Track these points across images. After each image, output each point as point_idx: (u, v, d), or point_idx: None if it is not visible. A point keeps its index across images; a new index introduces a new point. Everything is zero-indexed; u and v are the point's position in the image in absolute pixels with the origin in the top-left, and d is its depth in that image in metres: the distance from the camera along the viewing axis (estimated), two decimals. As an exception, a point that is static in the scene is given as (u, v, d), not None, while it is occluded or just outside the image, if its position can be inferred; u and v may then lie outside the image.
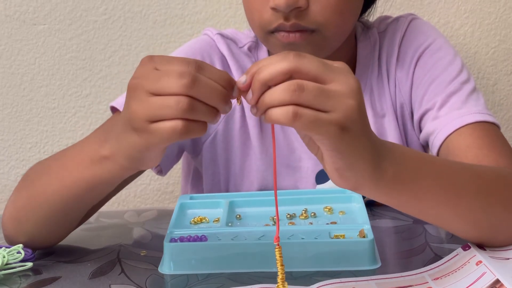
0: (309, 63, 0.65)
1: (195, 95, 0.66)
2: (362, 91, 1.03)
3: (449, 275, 0.75)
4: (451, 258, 0.77)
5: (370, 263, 0.82)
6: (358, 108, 0.66)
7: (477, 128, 0.94)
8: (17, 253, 0.86)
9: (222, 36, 1.07)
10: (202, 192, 1.12)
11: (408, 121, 1.05)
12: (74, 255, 0.90)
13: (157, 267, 0.84)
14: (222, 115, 1.01)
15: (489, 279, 0.70)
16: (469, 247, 0.77)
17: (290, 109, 0.63)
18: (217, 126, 1.05)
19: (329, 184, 1.04)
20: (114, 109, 0.99)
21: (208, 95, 0.66)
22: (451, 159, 0.86)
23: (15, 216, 0.88)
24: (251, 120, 1.05)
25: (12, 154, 1.69)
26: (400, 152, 0.72)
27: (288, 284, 0.77)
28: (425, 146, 1.06)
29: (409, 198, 0.74)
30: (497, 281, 0.69)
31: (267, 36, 0.96)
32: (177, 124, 0.66)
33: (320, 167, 1.04)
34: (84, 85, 1.63)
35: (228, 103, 0.68)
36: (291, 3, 0.90)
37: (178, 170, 1.66)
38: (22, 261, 0.85)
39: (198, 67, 0.66)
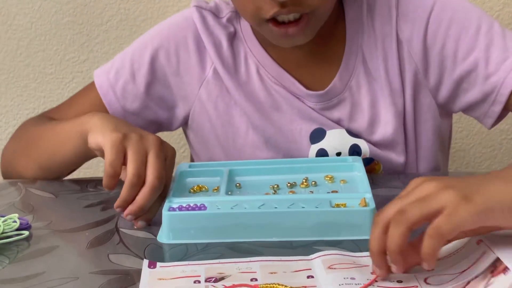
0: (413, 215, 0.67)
1: (135, 191, 0.86)
2: (355, 57, 1.01)
3: (450, 256, 0.74)
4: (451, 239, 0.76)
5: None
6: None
7: None
8: (13, 222, 0.85)
9: (200, 8, 1.06)
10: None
11: (422, 85, 1.02)
12: (72, 224, 0.89)
13: (156, 236, 0.84)
14: (198, 85, 1.06)
15: (490, 259, 0.69)
16: None
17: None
18: (195, 96, 1.05)
19: (323, 144, 1.03)
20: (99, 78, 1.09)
21: (141, 199, 0.85)
22: None
23: (9, 160, 1.10)
24: (233, 89, 1.03)
25: (9, 120, 1.68)
26: None
27: (288, 254, 0.77)
28: (449, 106, 1.04)
29: None
30: (498, 259, 0.68)
31: (261, 24, 0.95)
32: (111, 172, 0.86)
33: (313, 127, 1.03)
34: (81, 50, 1.61)
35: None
36: None
37: (177, 136, 1.64)
38: (17, 230, 0.85)
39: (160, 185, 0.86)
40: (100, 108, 1.07)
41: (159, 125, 1.10)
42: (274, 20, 0.92)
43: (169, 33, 1.07)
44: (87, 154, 0.96)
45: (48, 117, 1.10)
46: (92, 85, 1.09)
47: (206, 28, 1.05)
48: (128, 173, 0.84)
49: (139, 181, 0.84)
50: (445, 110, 1.06)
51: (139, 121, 1.07)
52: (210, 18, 1.05)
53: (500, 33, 0.99)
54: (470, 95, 1.01)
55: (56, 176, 1.05)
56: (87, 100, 1.09)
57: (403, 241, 0.66)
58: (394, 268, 0.69)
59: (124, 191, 0.84)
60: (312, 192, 0.89)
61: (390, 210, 0.68)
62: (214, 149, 1.08)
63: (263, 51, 1.03)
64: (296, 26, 0.93)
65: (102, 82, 1.07)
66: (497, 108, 0.99)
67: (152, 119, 1.08)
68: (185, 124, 1.10)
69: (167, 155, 0.88)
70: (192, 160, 1.18)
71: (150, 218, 0.86)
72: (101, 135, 0.88)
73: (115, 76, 1.07)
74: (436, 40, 1.00)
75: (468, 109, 1.04)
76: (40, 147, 1.03)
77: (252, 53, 1.04)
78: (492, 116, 1.01)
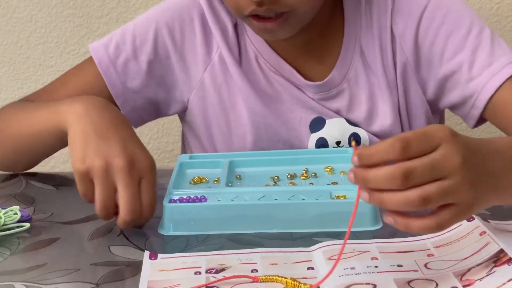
0: (416, 149, 0.63)
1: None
2: (353, 49, 1.01)
3: (451, 244, 0.74)
4: (454, 228, 0.76)
5: (371, 224, 0.82)
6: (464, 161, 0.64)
7: None
8: (14, 214, 0.85)
9: None
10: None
11: (411, 80, 1.02)
12: (73, 216, 0.89)
13: (157, 228, 0.84)
14: (202, 70, 1.04)
15: (493, 249, 0.69)
16: (473, 218, 0.76)
17: (415, 199, 0.63)
18: (198, 80, 1.04)
19: (323, 132, 1.03)
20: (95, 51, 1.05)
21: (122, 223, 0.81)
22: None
23: None
24: (235, 74, 1.03)
25: (10, 113, 1.67)
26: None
27: (289, 245, 0.77)
28: (435, 103, 1.04)
29: None
30: (501, 250, 0.68)
31: (243, 19, 0.96)
32: (88, 201, 0.83)
33: (313, 116, 1.03)
34: (81, 43, 1.61)
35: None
36: None
37: (178, 128, 1.65)
38: (18, 222, 0.85)
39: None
40: (98, 85, 1.03)
41: (157, 106, 1.08)
42: (254, 14, 0.92)
43: (174, 12, 1.04)
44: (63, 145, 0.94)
45: (31, 100, 1.05)
46: (87, 62, 1.06)
47: (212, 12, 1.03)
48: (96, 210, 0.82)
49: (109, 213, 0.81)
50: (434, 107, 1.06)
51: (138, 100, 1.05)
52: (216, 3, 1.04)
53: (489, 38, 0.98)
54: (452, 96, 1.01)
55: (22, 168, 1.05)
56: (84, 76, 1.05)
57: (397, 206, 0.64)
58: (365, 196, 0.65)
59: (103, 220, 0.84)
60: (312, 183, 0.89)
61: (400, 167, 0.63)
62: (214, 136, 1.07)
63: (262, 40, 1.03)
64: (274, 22, 0.92)
65: (101, 57, 1.04)
66: (476, 112, 0.99)
67: (151, 98, 1.06)
68: (182, 110, 1.08)
69: (141, 174, 0.80)
70: (183, 152, 1.17)
71: (144, 223, 0.84)
72: (72, 157, 0.83)
73: (115, 51, 1.04)
74: (427, 37, 1.00)
75: (451, 109, 1.05)
76: (8, 139, 1.00)
77: (251, 42, 1.03)
78: (473, 118, 1.00)
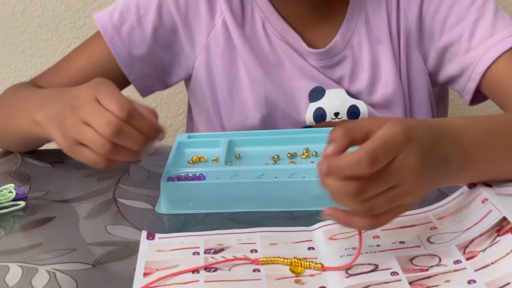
0: (382, 162, 0.63)
1: (117, 141, 0.76)
2: (357, 16, 1.00)
3: (454, 214, 0.73)
4: (456, 197, 0.75)
5: (373, 203, 0.80)
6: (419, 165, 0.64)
7: None
8: (9, 192, 0.84)
9: None
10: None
11: (414, 50, 1.02)
12: (69, 194, 0.88)
13: (154, 207, 0.82)
14: (205, 35, 1.03)
15: (495, 217, 0.68)
16: (475, 185, 0.75)
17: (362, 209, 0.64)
18: (201, 47, 1.03)
19: (322, 103, 1.02)
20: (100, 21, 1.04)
21: (128, 143, 0.76)
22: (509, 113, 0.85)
23: None
24: (238, 40, 1.02)
25: (6, 87, 1.65)
26: (465, 151, 0.70)
27: (289, 224, 0.76)
28: (435, 75, 1.03)
29: (482, 177, 0.75)
30: (504, 218, 0.67)
31: None
32: (99, 160, 0.78)
33: (313, 85, 1.02)
34: (78, 16, 1.59)
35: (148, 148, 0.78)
36: None
37: (177, 103, 1.63)
38: (14, 200, 0.84)
39: (128, 115, 0.76)
40: (106, 56, 1.04)
41: (163, 74, 1.07)
42: None
43: None
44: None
45: (37, 82, 1.06)
46: (94, 36, 1.06)
47: None
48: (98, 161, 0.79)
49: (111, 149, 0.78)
50: (433, 80, 1.05)
51: (145, 68, 1.05)
52: None
53: (493, 10, 0.97)
54: (451, 67, 1.00)
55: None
56: (91, 50, 1.05)
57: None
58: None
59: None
60: (313, 162, 0.88)
61: (354, 184, 0.63)
62: (219, 103, 1.05)
63: (270, 5, 1.02)
64: None
65: (106, 25, 1.04)
66: (473, 85, 0.97)
67: (158, 66, 1.06)
68: (188, 77, 1.07)
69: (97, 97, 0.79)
70: (189, 124, 1.16)
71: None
72: (58, 143, 0.83)
73: (120, 19, 1.04)
74: (431, 6, 0.99)
75: (449, 82, 1.03)
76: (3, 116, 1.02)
77: (259, 8, 1.02)
78: (469, 92, 0.99)
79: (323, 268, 0.67)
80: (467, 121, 0.74)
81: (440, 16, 0.99)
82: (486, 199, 0.72)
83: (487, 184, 0.75)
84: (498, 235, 0.66)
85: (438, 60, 1.01)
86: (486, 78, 0.95)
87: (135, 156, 0.78)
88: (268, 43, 1.02)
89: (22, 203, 0.84)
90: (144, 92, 1.09)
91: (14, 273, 0.69)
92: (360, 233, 0.67)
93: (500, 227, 0.67)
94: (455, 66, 0.99)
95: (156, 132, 0.78)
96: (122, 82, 1.04)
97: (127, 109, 0.76)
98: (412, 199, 0.66)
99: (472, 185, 0.75)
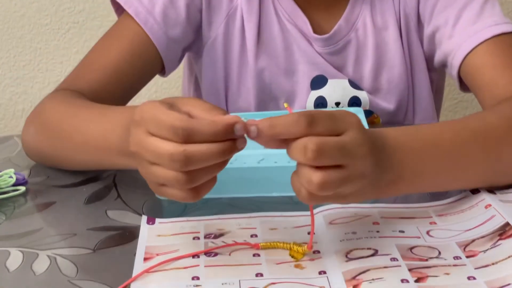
0: (322, 127, 0.62)
1: (192, 168, 0.63)
2: (361, 2, 0.99)
3: (455, 214, 0.73)
4: (458, 200, 0.75)
5: (373, 187, 0.80)
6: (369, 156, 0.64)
7: (493, 44, 0.92)
8: (9, 177, 0.84)
9: None
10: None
11: (413, 34, 1.02)
12: (69, 179, 0.88)
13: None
14: (224, 16, 1.01)
15: (498, 222, 0.68)
16: (478, 191, 0.75)
17: (317, 183, 0.62)
18: (217, 29, 1.02)
19: (323, 91, 1.02)
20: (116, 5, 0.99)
21: (205, 161, 0.63)
22: (453, 121, 0.80)
23: (37, 154, 0.91)
24: (249, 22, 1.01)
25: (5, 72, 1.66)
26: (399, 160, 0.69)
27: (289, 209, 0.76)
28: (431, 60, 1.03)
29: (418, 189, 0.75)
30: (507, 224, 0.67)
31: None
32: (184, 195, 0.64)
33: (315, 73, 1.02)
34: (77, 0, 1.58)
35: (232, 150, 0.64)
36: None
37: (177, 88, 1.63)
38: (14, 185, 0.83)
39: (188, 135, 0.62)
40: (142, 41, 0.97)
41: (182, 57, 1.04)
42: None
43: None
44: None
45: (77, 93, 0.92)
46: (119, 22, 1.00)
47: None
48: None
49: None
50: (430, 66, 1.04)
51: (177, 51, 1.01)
52: None
53: (483, 0, 0.96)
54: (438, 53, 0.99)
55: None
56: (124, 37, 0.98)
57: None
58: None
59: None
60: (313, 146, 0.88)
61: (312, 140, 0.61)
62: (226, 87, 1.05)
63: None
64: None
65: (137, 8, 0.97)
66: (454, 72, 0.96)
67: (186, 46, 1.03)
68: (195, 57, 1.06)
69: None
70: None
71: None
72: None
73: (150, 1, 0.98)
74: None
75: (444, 68, 1.02)
76: (67, 150, 0.87)
77: None
78: (455, 79, 0.97)
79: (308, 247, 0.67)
80: (403, 131, 0.72)
81: (431, 1, 0.98)
82: (490, 205, 0.72)
83: (490, 191, 0.75)
84: (500, 239, 0.66)
85: (429, 45, 1.01)
86: (463, 67, 0.94)
87: (221, 168, 0.65)
88: (279, 25, 1.01)
89: (23, 188, 0.84)
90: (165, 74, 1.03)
91: (15, 258, 0.69)
92: (311, 209, 0.67)
93: (503, 232, 0.67)
94: (441, 52, 0.98)
95: (229, 128, 0.63)
96: (159, 68, 1.00)
97: (181, 129, 0.62)
98: (351, 190, 0.64)
99: (475, 191, 0.75)
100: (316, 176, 0.61)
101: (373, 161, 0.64)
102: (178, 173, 0.63)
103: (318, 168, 0.61)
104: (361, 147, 0.63)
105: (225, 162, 0.65)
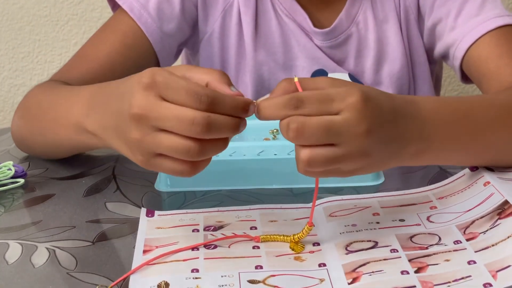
0: (309, 109, 0.61)
1: (207, 137, 0.62)
2: None
3: (454, 195, 0.73)
4: (457, 178, 0.75)
5: (373, 179, 0.81)
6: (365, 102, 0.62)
7: (496, 35, 0.92)
8: (8, 169, 0.83)
9: None
10: None
11: (413, 27, 1.02)
12: (68, 171, 0.87)
13: (154, 184, 0.82)
14: (220, 11, 1.01)
15: (497, 200, 0.68)
16: (477, 168, 0.75)
17: (302, 159, 0.62)
18: (214, 24, 1.02)
19: None
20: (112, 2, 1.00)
21: (220, 132, 0.62)
22: (479, 96, 0.81)
23: (20, 140, 0.93)
24: (246, 17, 1.01)
25: (4, 64, 1.65)
26: (430, 127, 0.68)
27: (289, 201, 0.76)
28: (430, 53, 1.03)
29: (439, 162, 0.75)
30: (506, 202, 0.67)
31: None
32: (185, 168, 0.63)
33: (315, 67, 1.02)
34: (76, -8, 1.58)
35: (241, 127, 0.63)
36: None
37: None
38: (12, 178, 0.83)
39: (211, 103, 0.61)
40: (136, 35, 0.98)
41: (179, 52, 1.05)
42: None
43: None
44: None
45: (60, 81, 0.92)
46: (115, 16, 1.00)
47: None
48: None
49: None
50: (430, 58, 1.05)
51: (172, 45, 1.01)
52: None
53: None
54: (439, 45, 0.99)
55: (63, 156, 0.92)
56: (118, 30, 0.98)
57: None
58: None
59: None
60: (312, 138, 0.88)
61: (293, 119, 0.61)
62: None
63: None
64: None
65: (131, 3, 0.98)
66: (457, 63, 0.96)
67: (182, 41, 1.03)
68: (192, 53, 1.06)
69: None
70: None
71: None
72: (126, 155, 0.68)
73: None
74: None
75: (443, 60, 1.03)
76: (40, 129, 0.87)
77: None
78: (457, 71, 0.98)
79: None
80: (436, 102, 0.71)
81: None
82: (488, 182, 0.72)
83: (489, 168, 0.75)
84: (499, 218, 0.66)
85: (430, 37, 1.01)
86: (467, 58, 0.94)
87: (225, 145, 0.64)
88: (277, 21, 1.01)
89: (21, 181, 0.84)
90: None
91: (14, 250, 0.69)
92: (317, 181, 0.66)
93: (502, 210, 0.67)
94: (442, 44, 0.99)
95: (245, 108, 0.63)
96: (153, 62, 1.00)
97: (206, 96, 0.61)
98: (351, 167, 0.63)
99: (474, 168, 0.75)
100: (303, 153, 0.62)
101: (380, 137, 0.63)
102: (191, 142, 0.61)
103: (306, 146, 0.62)
104: (356, 126, 0.62)
105: (228, 141, 0.64)
